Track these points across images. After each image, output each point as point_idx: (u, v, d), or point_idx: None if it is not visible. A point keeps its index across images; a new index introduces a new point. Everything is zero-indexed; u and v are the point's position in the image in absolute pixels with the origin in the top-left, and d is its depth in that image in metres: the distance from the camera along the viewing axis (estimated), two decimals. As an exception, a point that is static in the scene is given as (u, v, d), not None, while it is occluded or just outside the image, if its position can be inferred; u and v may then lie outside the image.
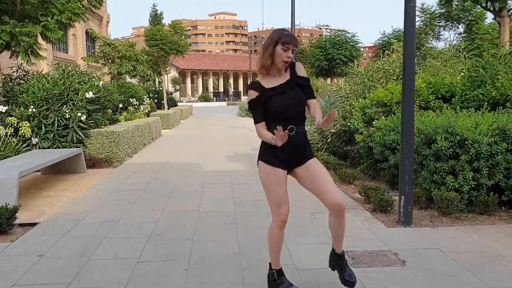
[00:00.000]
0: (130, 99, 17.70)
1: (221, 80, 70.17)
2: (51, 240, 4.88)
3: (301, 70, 3.34)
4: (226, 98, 60.23)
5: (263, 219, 5.44)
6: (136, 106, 17.73)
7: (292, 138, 3.16)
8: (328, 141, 9.30)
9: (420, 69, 9.34)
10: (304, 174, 3.33)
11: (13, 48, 10.13)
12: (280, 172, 3.28)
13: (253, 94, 3.23)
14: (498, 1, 17.37)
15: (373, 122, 7.60)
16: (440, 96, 7.77)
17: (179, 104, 33.87)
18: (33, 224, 5.50)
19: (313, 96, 3.33)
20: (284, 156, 3.26)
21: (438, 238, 4.78)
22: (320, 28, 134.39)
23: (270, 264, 3.57)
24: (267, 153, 3.28)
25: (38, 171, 8.85)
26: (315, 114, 3.24)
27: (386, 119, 7.48)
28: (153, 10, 39.16)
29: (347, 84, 9.48)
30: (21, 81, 11.02)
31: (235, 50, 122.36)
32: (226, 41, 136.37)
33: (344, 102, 9.11)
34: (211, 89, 67.27)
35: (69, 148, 9.25)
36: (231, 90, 68.85)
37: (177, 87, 57.34)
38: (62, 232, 5.15)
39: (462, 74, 8.59)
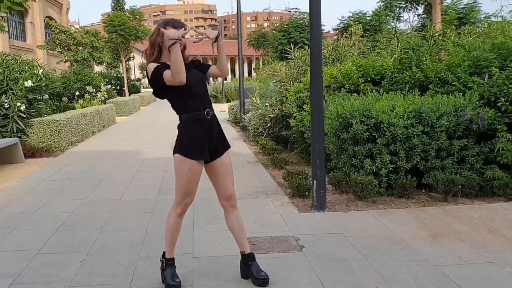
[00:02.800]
0: (87, 86, 17.50)
1: (191, 65, 69.45)
2: (-41, 233, 4.85)
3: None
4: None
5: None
6: (93, 94, 17.53)
7: (210, 123, 3.25)
8: (268, 126, 9.36)
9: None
10: (217, 165, 3.39)
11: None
12: (197, 165, 3.27)
13: (154, 65, 3.18)
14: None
15: (304, 106, 7.68)
16: (369, 79, 7.87)
17: (142, 90, 33.66)
18: (-52, 217, 5.45)
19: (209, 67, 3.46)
20: (205, 147, 3.25)
21: (346, 222, 4.87)
22: (290, 11, 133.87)
23: (164, 252, 3.57)
24: (186, 145, 3.24)
25: (-26, 162, 8.75)
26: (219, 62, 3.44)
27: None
28: (115, -4, 38.54)
29: (283, 69, 9.53)
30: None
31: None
32: (195, 26, 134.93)
33: (280, 86, 9.17)
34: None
35: (9, 137, 9.14)
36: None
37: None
38: (-26, 224, 5.12)
39: (395, 56, 8.70)
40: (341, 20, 31.02)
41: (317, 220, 4.98)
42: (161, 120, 17.16)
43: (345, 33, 14.30)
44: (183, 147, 3.24)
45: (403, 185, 5.65)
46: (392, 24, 29.22)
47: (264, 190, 6.24)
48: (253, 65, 70.19)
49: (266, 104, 9.36)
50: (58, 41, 18.87)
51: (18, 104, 9.24)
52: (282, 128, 9.26)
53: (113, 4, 37.74)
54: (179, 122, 3.28)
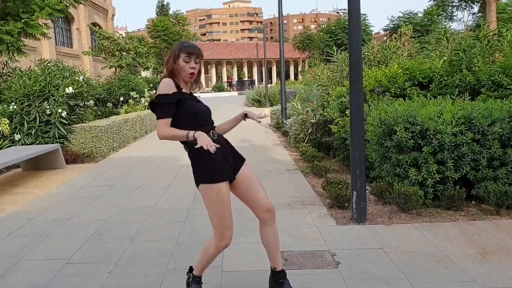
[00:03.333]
0: (131, 92, 17.68)
1: (235, 69, 69.92)
2: (-6, 240, 4.84)
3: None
4: (238, 88, 60.08)
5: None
6: (136, 99, 17.70)
7: (219, 143, 3.02)
8: (309, 131, 9.10)
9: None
10: (241, 179, 3.17)
11: (-4, 46, 10.16)
12: (223, 187, 3.01)
13: (171, 87, 2.96)
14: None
15: (347, 111, 7.38)
16: (417, 82, 7.49)
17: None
18: (-14, 224, 5.48)
19: None
20: (225, 165, 3.03)
21: (387, 237, 4.56)
22: (338, 12, 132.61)
23: (191, 266, 3.40)
24: (207, 170, 2.99)
25: (19, 167, 8.91)
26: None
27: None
28: (160, 1, 39.11)
29: (325, 72, 9.24)
30: (8, 78, 11.06)
31: (251, 38, 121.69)
32: (241, 29, 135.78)
33: (322, 90, 8.89)
34: (225, 79, 67.15)
35: (52, 143, 9.26)
36: (245, 79, 68.58)
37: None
38: (9, 230, 5.11)
39: (445, 58, 8.27)
40: (390, 20, 30.20)
41: (356, 233, 4.69)
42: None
43: (394, 34, 13.83)
44: (204, 173, 2.99)
45: (451, 197, 5.26)
46: (445, 24, 28.31)
47: (301, 200, 5.98)
48: (299, 68, 69.92)
49: (307, 109, 9.09)
50: (102, 47, 19.20)
51: (60, 110, 9.34)
52: (324, 134, 8.98)
53: (157, 10, 38.37)
54: (188, 152, 3.07)
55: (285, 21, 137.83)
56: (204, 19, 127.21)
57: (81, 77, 10.27)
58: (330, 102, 8.11)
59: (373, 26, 43.16)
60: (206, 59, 64.87)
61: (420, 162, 5.40)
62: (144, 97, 18.67)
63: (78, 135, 9.83)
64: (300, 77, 62.08)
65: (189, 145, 2.97)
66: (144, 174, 8.03)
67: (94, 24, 24.83)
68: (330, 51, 9.93)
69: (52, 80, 9.72)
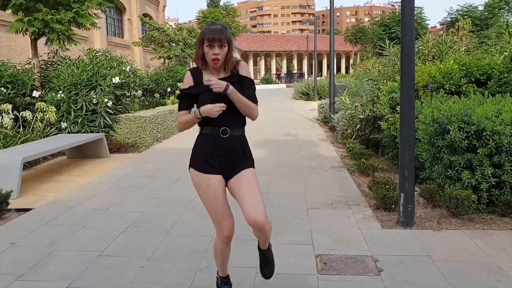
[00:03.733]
0: (178, 83, 17.78)
1: (284, 62, 69.45)
2: (32, 227, 4.84)
3: (244, 70, 2.97)
4: (286, 80, 59.74)
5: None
6: (184, 90, 17.77)
7: (225, 142, 2.88)
8: (357, 127, 8.77)
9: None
10: (233, 184, 2.93)
11: (47, 35, 10.32)
12: (215, 179, 2.90)
13: (188, 82, 2.93)
14: None
15: (398, 108, 7.03)
16: (473, 79, 7.04)
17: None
18: (28, 210, 5.52)
19: (254, 100, 2.92)
20: (217, 162, 2.90)
21: (435, 243, 4.24)
22: (393, 5, 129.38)
23: None
24: (198, 158, 2.95)
25: (64, 154, 9.03)
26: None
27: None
28: (211, -8, 39.23)
29: (376, 66, 8.86)
30: (58, 67, 11.25)
31: (302, 30, 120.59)
32: (292, 21, 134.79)
33: (373, 85, 8.53)
34: (274, 71, 66.80)
35: (97, 133, 9.34)
36: (294, 71, 68.11)
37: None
38: (47, 219, 5.11)
39: (506, 53, 7.74)
40: (449, 13, 28.99)
41: (401, 238, 4.40)
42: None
43: (451, 28, 13.20)
44: (196, 161, 2.97)
45: (507, 203, 4.88)
46: (507, 17, 26.99)
47: (345, 199, 5.72)
48: (351, 61, 68.76)
49: (356, 104, 8.76)
50: (152, 38, 19.35)
51: (106, 100, 9.40)
52: (373, 130, 8.63)
53: (208, 1, 38.48)
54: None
55: (337, 14, 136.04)
56: (255, 11, 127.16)
57: (128, 67, 10.30)
58: (380, 98, 7.76)
59: (429, 19, 41.85)
60: (255, 50, 64.90)
61: (474, 164, 5.04)
62: (192, 88, 18.74)
63: (123, 125, 9.88)
64: (351, 70, 61.03)
65: (200, 130, 2.97)
66: (185, 166, 7.78)
67: (145, 15, 25.10)
68: (382, 44, 9.52)
69: (100, 69, 9.79)
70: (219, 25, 2.88)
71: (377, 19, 40.50)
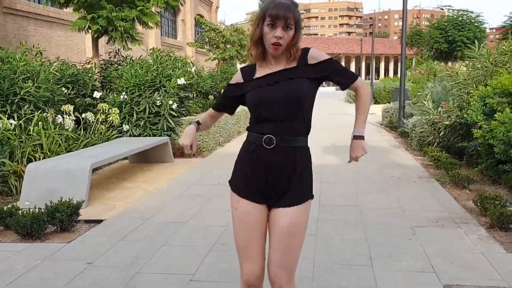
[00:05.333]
0: (233, 85, 17.40)
1: (332, 65, 68.40)
2: (108, 242, 4.40)
3: (316, 55, 2.26)
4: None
5: (348, 231, 4.56)
6: (238, 92, 17.37)
7: (269, 155, 2.21)
8: (441, 134, 8.03)
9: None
10: (272, 218, 2.28)
11: (110, 34, 10.05)
12: (247, 205, 2.25)
13: (237, 79, 2.38)
14: None
15: (495, 115, 6.28)
16: None
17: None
18: (98, 221, 5.10)
19: (350, 81, 2.29)
20: (256, 181, 2.24)
21: None
22: (442, 9, 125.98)
23: None
24: (235, 172, 2.36)
25: (126, 158, 8.67)
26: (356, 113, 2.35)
27: (511, 112, 6.14)
28: (262, -6, 38.90)
29: (465, 69, 8.09)
30: (119, 67, 10.97)
31: (349, 33, 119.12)
32: (339, 24, 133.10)
33: (460, 89, 7.77)
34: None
35: (160, 136, 8.96)
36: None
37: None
38: (123, 232, 4.66)
39: None
40: (509, 16, 27.62)
41: (539, 268, 3.71)
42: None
43: None
44: (233, 175, 2.38)
45: None
46: None
47: (450, 216, 5.03)
48: (399, 64, 67.26)
49: (440, 109, 8.02)
50: (208, 39, 19.02)
51: (170, 102, 9.00)
52: (458, 138, 7.87)
53: (260, 2, 38.15)
54: None
55: (385, 17, 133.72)
56: (302, 13, 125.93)
57: (193, 68, 9.90)
58: (472, 103, 7.00)
59: (487, 23, 40.00)
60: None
61: None
62: (246, 91, 18.31)
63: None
64: (408, 73, 59.36)
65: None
66: (257, 174, 7.41)
67: (199, 16, 24.91)
68: (470, 45, 8.75)
69: (164, 70, 9.41)
70: (287, 1, 2.18)
71: (432, 22, 39.11)
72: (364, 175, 7.19)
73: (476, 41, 27.21)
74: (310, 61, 2.25)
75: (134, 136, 8.94)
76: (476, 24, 34.38)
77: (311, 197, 2.30)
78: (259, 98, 2.22)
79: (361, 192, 6.15)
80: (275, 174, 2.21)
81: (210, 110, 2.57)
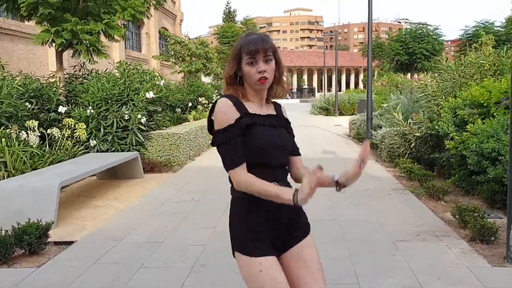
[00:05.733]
0: (199, 98, 17.21)
1: (295, 77, 69.11)
2: (81, 266, 4.18)
3: (284, 111, 2.27)
4: (301, 95, 59.36)
5: (331, 248, 4.47)
6: (205, 105, 17.19)
7: (278, 208, 2.03)
8: (412, 146, 8.09)
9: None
10: (290, 261, 2.14)
11: (75, 47, 9.76)
12: (269, 261, 2.02)
13: (232, 113, 2.00)
14: None
15: (467, 126, 6.38)
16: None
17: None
18: (69, 243, 4.86)
19: (298, 151, 2.29)
20: (266, 233, 2.06)
21: None
22: (399, 22, 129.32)
23: None
24: (244, 236, 2.05)
25: (93, 175, 8.39)
26: (304, 171, 2.07)
27: (483, 123, 6.24)
28: (227, 7, 38.88)
29: (434, 81, 8.21)
30: (84, 81, 10.67)
31: (310, 46, 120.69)
32: (301, 37, 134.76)
33: (430, 101, 7.87)
34: (285, 86, 66.44)
35: (128, 151, 8.72)
36: (305, 86, 67.83)
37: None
38: (96, 255, 4.44)
39: None
40: (465, 29, 28.62)
41: (523, 280, 3.71)
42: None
43: (474, 44, 12.63)
44: (242, 239, 2.06)
45: None
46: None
47: (430, 229, 5.02)
48: (361, 76, 68.33)
49: (410, 121, 8.10)
50: (173, 52, 18.83)
51: (139, 116, 8.79)
52: (429, 149, 7.95)
53: (224, 16, 38.11)
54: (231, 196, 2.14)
55: (345, 30, 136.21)
56: (264, 26, 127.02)
57: (162, 81, 9.71)
58: (442, 115, 7.10)
59: (445, 35, 41.24)
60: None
61: None
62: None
63: (155, 143, 9.24)
64: (361, 85, 60.45)
65: (236, 193, 2.07)
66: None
67: (164, 29, 24.67)
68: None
69: (132, 83, 9.19)
70: (260, 34, 2.10)
71: (384, 36, 40.15)
72: (339, 188, 7.15)
73: (436, 53, 27.73)
74: (285, 115, 2.26)
75: (102, 151, 8.69)
76: (435, 37, 35.37)
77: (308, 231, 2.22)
78: (269, 143, 2.05)
79: (337, 205, 6.10)
80: (284, 222, 2.10)
81: (244, 167, 2.02)
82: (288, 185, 2.09)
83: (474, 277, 3.75)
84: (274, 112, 2.17)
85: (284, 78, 2.14)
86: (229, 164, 2.01)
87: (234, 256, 2.09)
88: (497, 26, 30.55)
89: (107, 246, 4.70)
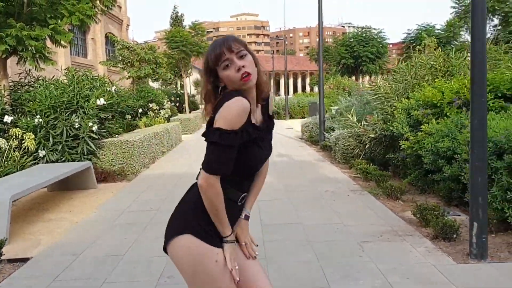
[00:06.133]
0: (150, 103, 16.90)
1: (243, 81, 69.16)
2: (39, 284, 3.95)
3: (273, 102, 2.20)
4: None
5: (298, 252, 4.44)
6: (156, 111, 16.90)
7: (236, 212, 2.10)
8: (366, 147, 8.23)
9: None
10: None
11: (20, 53, 9.32)
12: (222, 256, 1.98)
13: (244, 120, 1.88)
14: None
15: (422, 126, 6.53)
16: (500, 95, 6.63)
17: (201, 107, 32.76)
18: (24, 260, 4.60)
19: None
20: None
21: (528, 278, 3.69)
22: (343, 26, 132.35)
23: None
24: (205, 225, 1.96)
25: (44, 187, 8.03)
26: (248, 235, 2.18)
27: (437, 123, 6.40)
28: (174, 12, 38.53)
29: (386, 83, 8.38)
30: (31, 88, 10.22)
31: (257, 51, 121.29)
32: (248, 42, 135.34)
33: (383, 103, 8.02)
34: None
35: (79, 161, 8.41)
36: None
37: (199, 89, 56.92)
38: (54, 272, 4.22)
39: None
40: (408, 32, 29.55)
41: (487, 274, 3.81)
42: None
43: (417, 46, 13.03)
44: (201, 226, 1.96)
45: None
46: (467, 36, 27.64)
47: (392, 229, 5.09)
48: (307, 80, 69.21)
49: (364, 122, 8.23)
50: (121, 57, 18.43)
51: (90, 124, 8.49)
52: (382, 149, 8.11)
53: (171, 21, 37.72)
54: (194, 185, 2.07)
55: (291, 35, 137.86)
56: (211, 31, 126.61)
57: (113, 88, 9.43)
58: (396, 116, 7.24)
59: (388, 38, 42.34)
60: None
61: (539, 186, 4.54)
62: (164, 109, 17.90)
63: (107, 151, 8.96)
64: (308, 89, 61.32)
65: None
66: (190, 196, 7.12)
67: (111, 34, 24.09)
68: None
69: (82, 90, 8.88)
70: (223, 37, 1.99)
71: (328, 40, 40.97)
72: (298, 191, 7.17)
73: (381, 56, 28.40)
74: (272, 107, 2.19)
75: (52, 162, 8.33)
76: (379, 40, 36.27)
77: None
78: (259, 159, 2.05)
79: (299, 208, 6.10)
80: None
81: (219, 184, 1.92)
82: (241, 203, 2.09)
83: (441, 275, 3.80)
84: (262, 117, 2.08)
85: (263, 75, 2.02)
86: (214, 168, 1.88)
87: (169, 240, 1.99)
88: (438, 29, 31.76)
89: (65, 261, 4.48)
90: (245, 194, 2.07)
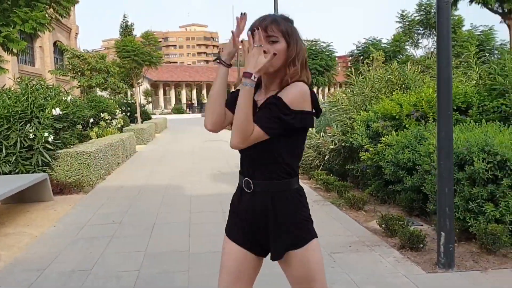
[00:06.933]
0: (101, 113, 16.53)
1: (194, 92, 68.98)
2: (4, 303, 3.78)
3: (288, 90, 2.00)
4: (201, 110, 59.34)
5: (267, 265, 4.44)
6: (108, 121, 16.54)
7: (248, 200, 2.10)
8: (326, 158, 8.37)
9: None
10: (285, 270, 2.24)
11: (-31, 60, 8.96)
12: (233, 247, 2.15)
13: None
14: (509, 2, 17.00)
15: (382, 138, 6.71)
16: (455, 107, 6.92)
17: (153, 116, 32.49)
18: (-17, 277, 4.38)
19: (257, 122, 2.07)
20: (242, 227, 2.15)
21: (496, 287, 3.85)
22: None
23: None
24: (230, 214, 2.26)
25: (-4, 200, 7.68)
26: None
27: (397, 135, 6.60)
28: (124, 21, 37.96)
29: (345, 95, 8.58)
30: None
31: (207, 62, 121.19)
32: (197, 53, 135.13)
33: (342, 115, 8.20)
34: (184, 101, 66.20)
35: (33, 172, 8.10)
36: (205, 101, 67.91)
37: (150, 99, 56.11)
38: (19, 289, 4.04)
39: (475, 82, 7.78)
40: (357, 45, 30.44)
41: (457, 283, 3.95)
42: (185, 148, 16.18)
43: (366, 60, 13.50)
44: (229, 215, 2.29)
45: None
46: (412, 50, 28.78)
47: (359, 239, 5.19)
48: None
49: (323, 134, 8.38)
50: (71, 66, 17.97)
51: (46, 134, 8.21)
52: (341, 160, 8.27)
53: (121, 30, 37.13)
54: None
55: (240, 46, 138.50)
56: (161, 41, 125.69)
57: (69, 97, 9.17)
58: (355, 128, 7.42)
59: (337, 51, 43.27)
60: (165, 80, 63.76)
61: (497, 196, 4.75)
62: (116, 119, 17.56)
63: (62, 162, 8.68)
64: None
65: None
66: (152, 208, 7.01)
67: (60, 42, 23.44)
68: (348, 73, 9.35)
69: (36, 100, 8.58)
70: (269, 14, 2.02)
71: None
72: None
73: (330, 69, 29.04)
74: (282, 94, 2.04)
75: (4, 174, 7.98)
76: (327, 53, 37.04)
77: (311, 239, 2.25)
78: None
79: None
80: (258, 220, 2.11)
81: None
82: (265, 188, 2.11)
83: (413, 285, 3.91)
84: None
85: (297, 64, 1.97)
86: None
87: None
88: (384, 43, 32.87)
89: (30, 278, 4.30)
90: (247, 179, 2.10)
